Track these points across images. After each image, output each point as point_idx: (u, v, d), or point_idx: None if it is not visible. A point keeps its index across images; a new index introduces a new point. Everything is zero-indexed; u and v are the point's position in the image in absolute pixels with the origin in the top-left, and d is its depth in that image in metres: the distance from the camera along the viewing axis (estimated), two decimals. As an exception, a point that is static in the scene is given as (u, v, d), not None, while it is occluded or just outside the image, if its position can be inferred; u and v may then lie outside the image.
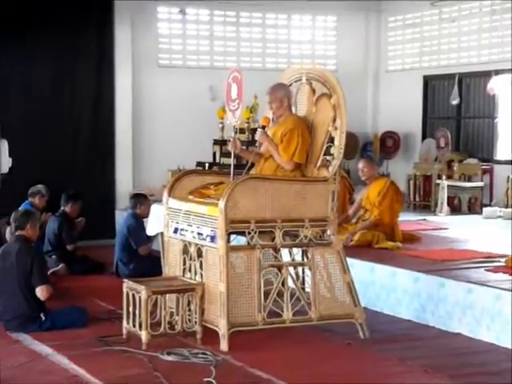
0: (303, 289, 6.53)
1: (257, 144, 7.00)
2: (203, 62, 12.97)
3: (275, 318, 6.16)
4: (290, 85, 6.81)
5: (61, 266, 9.10)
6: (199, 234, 6.23)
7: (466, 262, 7.48)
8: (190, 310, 6.11)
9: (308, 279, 6.50)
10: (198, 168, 10.72)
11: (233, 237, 6.36)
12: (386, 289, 7.30)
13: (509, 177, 11.58)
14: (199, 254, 6.29)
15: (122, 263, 8.96)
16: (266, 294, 6.11)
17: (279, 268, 6.35)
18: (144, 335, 5.92)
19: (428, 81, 13.60)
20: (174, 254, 6.63)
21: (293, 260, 6.54)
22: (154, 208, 9.11)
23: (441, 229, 10.15)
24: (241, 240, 6.49)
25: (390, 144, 13.78)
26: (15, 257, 6.54)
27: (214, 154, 11.43)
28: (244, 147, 7.26)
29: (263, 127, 6.65)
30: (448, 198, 11.78)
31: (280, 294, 6.19)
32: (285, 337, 6.23)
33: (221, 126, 11.20)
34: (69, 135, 11.71)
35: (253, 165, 6.84)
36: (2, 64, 10.68)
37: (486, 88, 12.22)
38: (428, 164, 12.72)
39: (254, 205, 6.07)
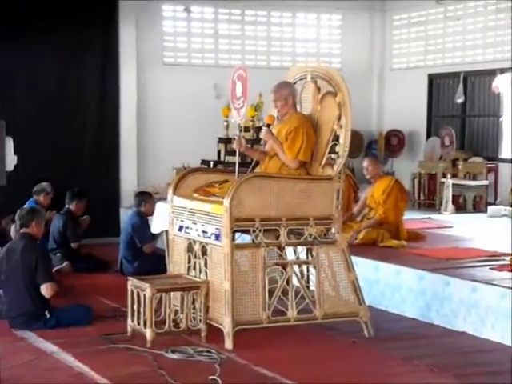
0: (308, 287, 6.52)
1: (262, 142, 6.99)
2: (208, 60, 12.97)
3: (280, 316, 6.16)
4: (295, 83, 6.80)
5: (65, 263, 9.11)
6: (204, 232, 6.23)
7: (471, 261, 7.47)
8: (194, 308, 6.12)
9: (313, 277, 6.49)
10: (203, 166, 10.72)
11: (237, 235, 6.37)
12: (391, 287, 7.30)
13: (514, 175, 11.58)
14: (204, 252, 6.29)
15: (127, 261, 8.96)
16: (271, 292, 6.11)
17: (284, 266, 6.35)
18: (149, 333, 5.92)
19: (433, 79, 13.58)
20: (179, 252, 6.63)
21: (297, 258, 6.54)
22: (159, 206, 9.13)
23: (445, 227, 10.14)
24: (245, 238, 6.50)
25: (394, 142, 13.76)
26: (20, 254, 6.54)
27: (219, 152, 11.42)
28: (249, 145, 7.25)
29: (268, 125, 6.65)
30: (453, 196, 11.76)
31: (285, 293, 6.19)
32: (289, 335, 6.23)
33: (225, 124, 11.19)
34: (74, 133, 11.72)
35: (257, 163, 6.84)
36: (7, 62, 10.69)
37: (490, 86, 12.19)
38: (433, 162, 12.70)
39: (259, 203, 6.07)
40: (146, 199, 9.28)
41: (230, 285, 5.92)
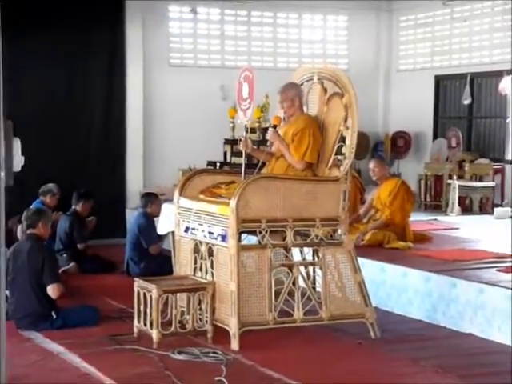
0: (314, 288, 6.52)
1: (268, 143, 6.99)
2: (214, 61, 12.98)
3: (286, 317, 6.16)
4: (302, 84, 6.80)
5: (71, 264, 9.12)
6: (210, 233, 6.23)
7: (478, 262, 7.46)
8: (200, 309, 6.12)
9: (319, 279, 6.49)
10: (209, 167, 10.73)
11: (244, 236, 6.36)
12: (397, 289, 7.29)
13: (521, 177, 11.56)
14: (210, 253, 6.29)
15: (133, 262, 8.97)
16: (277, 294, 6.11)
17: (290, 267, 6.34)
18: (155, 334, 5.93)
19: (439, 80, 13.56)
20: (185, 253, 6.64)
21: (304, 259, 6.54)
22: (165, 207, 9.13)
23: (452, 229, 10.12)
24: (252, 239, 6.49)
25: (401, 144, 13.75)
26: (27, 255, 6.56)
27: (225, 154, 11.44)
28: (255, 146, 7.25)
29: (274, 126, 6.64)
30: (459, 198, 11.74)
31: (291, 294, 6.19)
32: (295, 336, 6.23)
33: (232, 125, 11.20)
34: (80, 134, 11.74)
35: (264, 164, 6.84)
36: (14, 63, 10.69)
37: (497, 88, 12.17)
38: (439, 164, 12.69)
39: (266, 204, 6.07)
40: (152, 200, 9.29)
41: (236, 286, 5.92)
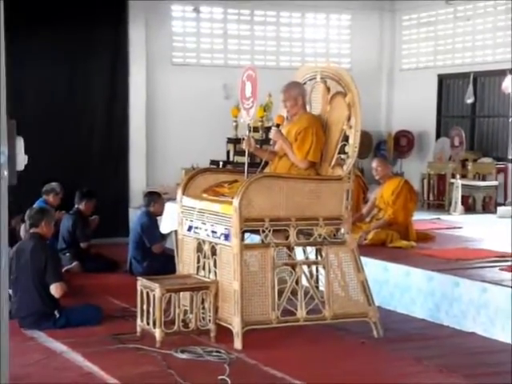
0: (317, 287, 6.52)
1: (271, 142, 6.99)
2: (217, 60, 12.98)
3: (289, 316, 6.16)
4: (305, 83, 6.80)
5: (74, 263, 9.13)
6: (213, 232, 6.23)
7: (481, 261, 7.46)
8: (203, 308, 6.12)
9: (322, 278, 6.49)
10: (212, 166, 10.73)
11: (247, 235, 6.36)
12: (400, 288, 7.28)
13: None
14: (213, 252, 6.29)
15: (136, 261, 8.97)
16: (280, 293, 6.11)
17: (293, 266, 6.33)
18: (158, 333, 5.93)
19: (442, 79, 13.55)
20: (188, 252, 6.64)
21: (307, 258, 6.54)
22: (168, 206, 9.13)
23: (455, 228, 10.12)
24: (255, 238, 6.49)
25: (403, 143, 13.74)
26: (30, 254, 6.56)
27: (228, 153, 11.43)
28: (258, 146, 7.25)
29: (277, 125, 6.64)
30: (462, 197, 11.74)
31: (294, 293, 6.19)
32: (298, 335, 6.23)
33: (235, 124, 11.20)
34: (83, 133, 11.75)
35: (267, 163, 6.84)
36: (17, 62, 10.70)
37: (500, 87, 12.16)
38: (442, 163, 12.68)
39: (269, 203, 6.07)
40: (155, 199, 9.29)
41: (239, 285, 5.92)
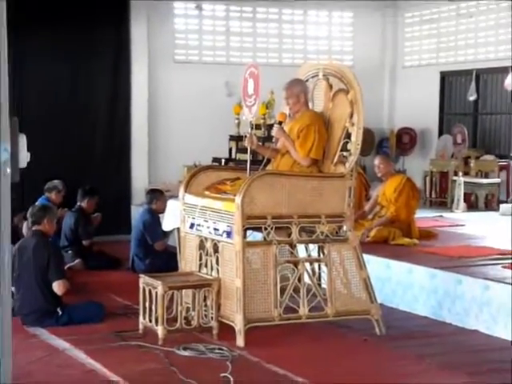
0: (319, 285, 6.51)
1: (273, 140, 6.99)
2: (219, 57, 12.97)
3: (291, 313, 6.16)
4: (307, 80, 6.79)
5: (77, 261, 9.14)
6: (215, 229, 6.23)
7: (483, 259, 7.45)
8: (206, 305, 6.12)
9: (324, 275, 6.48)
10: (214, 164, 10.73)
11: (249, 232, 6.36)
12: (403, 285, 7.28)
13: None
14: (215, 250, 6.29)
15: (138, 258, 8.98)
16: (283, 290, 6.11)
17: (295, 264, 6.34)
18: (160, 330, 5.93)
19: (445, 77, 13.54)
20: (191, 250, 6.64)
21: (309, 256, 6.53)
22: (170, 203, 9.13)
23: (457, 225, 10.11)
24: (257, 236, 6.49)
25: (406, 140, 13.73)
26: (32, 251, 6.56)
27: (230, 150, 11.43)
28: (260, 143, 7.25)
29: (280, 123, 6.64)
30: (465, 194, 11.73)
31: (296, 290, 6.19)
32: (301, 333, 6.22)
33: (237, 121, 11.20)
34: (85, 131, 11.74)
35: (269, 161, 6.84)
36: (20, 60, 10.71)
37: (503, 84, 12.14)
38: (444, 160, 12.67)
39: (271, 200, 6.06)
40: (158, 197, 9.29)
41: (241, 282, 5.92)
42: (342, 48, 13.94)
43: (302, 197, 6.17)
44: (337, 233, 6.43)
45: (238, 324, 5.94)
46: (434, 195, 12.67)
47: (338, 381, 5.16)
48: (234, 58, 13.00)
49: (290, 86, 6.61)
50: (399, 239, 8.32)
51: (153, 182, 11.86)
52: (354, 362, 5.61)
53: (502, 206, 11.41)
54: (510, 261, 7.24)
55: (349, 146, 6.35)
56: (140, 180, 12.11)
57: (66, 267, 8.00)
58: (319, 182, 6.28)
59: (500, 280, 6.49)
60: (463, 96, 13.13)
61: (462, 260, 7.43)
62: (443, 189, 12.54)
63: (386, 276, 7.41)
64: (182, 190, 6.74)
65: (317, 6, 13.50)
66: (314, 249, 6.53)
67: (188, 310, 6.16)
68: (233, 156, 11.30)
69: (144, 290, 6.16)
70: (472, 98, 12.78)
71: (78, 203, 9.61)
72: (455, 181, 11.87)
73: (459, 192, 11.67)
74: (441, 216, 11.05)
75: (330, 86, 6.58)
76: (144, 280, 6.21)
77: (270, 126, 9.16)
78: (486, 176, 12.37)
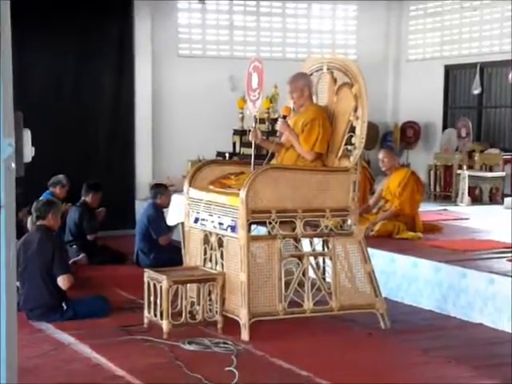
0: (324, 279, 6.52)
1: (277, 134, 6.98)
2: (223, 51, 12.95)
3: (296, 307, 6.16)
4: (311, 74, 6.78)
5: (81, 255, 9.14)
6: (220, 223, 6.23)
7: (488, 253, 7.44)
8: (210, 299, 6.12)
9: (329, 269, 6.48)
10: (219, 158, 10.73)
11: (253, 227, 6.36)
12: (407, 279, 7.28)
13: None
14: (220, 244, 6.29)
15: (143, 253, 8.99)
16: (287, 284, 6.11)
17: (300, 258, 6.34)
18: (165, 325, 5.94)
19: (449, 70, 13.50)
20: (195, 244, 6.64)
21: (313, 250, 6.53)
22: (174, 198, 9.13)
23: (462, 219, 10.10)
24: (261, 230, 6.49)
25: (410, 134, 13.71)
26: (37, 246, 6.57)
27: (234, 144, 11.43)
28: (264, 137, 7.24)
29: (284, 117, 6.63)
30: (469, 188, 11.72)
31: (301, 284, 6.18)
32: (305, 327, 6.23)
33: (241, 115, 11.20)
34: (89, 126, 11.75)
35: (273, 155, 6.83)
36: (24, 55, 10.71)
37: (507, 77, 12.11)
38: (449, 154, 12.65)
39: (275, 195, 6.06)
40: (162, 191, 9.29)
41: (246, 276, 5.92)
42: (346, 42, 13.92)
43: (307, 191, 6.16)
44: (341, 227, 6.43)
45: (243, 318, 5.94)
46: (438, 189, 12.66)
47: (343, 375, 5.17)
48: (238, 52, 12.98)
49: (294, 80, 6.61)
50: (404, 233, 8.31)
51: (157, 177, 11.86)
52: (359, 356, 5.61)
53: (507, 200, 11.39)
54: (514, 254, 7.24)
55: (353, 140, 6.34)
56: (144, 175, 12.12)
57: (70, 262, 8.01)
58: (324, 176, 6.27)
59: (505, 273, 6.48)
60: (467, 89, 13.10)
61: (467, 253, 7.42)
62: (447, 182, 12.53)
63: (391, 270, 7.41)
64: (186, 184, 6.74)
65: (320, -1, 13.48)
66: (318, 243, 6.52)
67: (193, 304, 6.17)
68: (237, 150, 11.30)
69: (149, 285, 6.17)
70: (476, 91, 12.75)
71: (83, 198, 9.61)
72: (459, 174, 11.85)
73: (463, 186, 11.65)
74: (445, 210, 11.04)
75: (335, 80, 6.57)
76: (149, 274, 6.22)
77: (274, 120, 9.17)
78: (491, 169, 12.35)
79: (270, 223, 6.08)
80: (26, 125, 2.85)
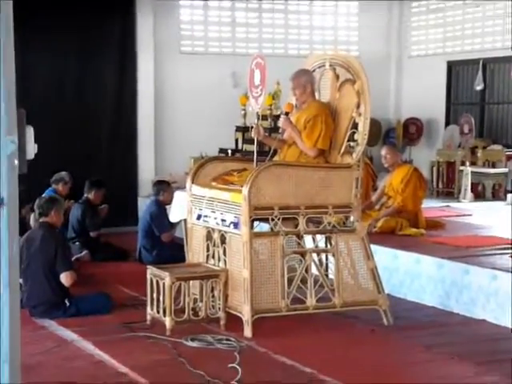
0: (327, 275, 6.52)
1: (280, 130, 6.98)
2: (225, 48, 12.94)
3: (299, 304, 6.16)
4: (314, 71, 6.77)
5: (84, 252, 9.15)
6: (223, 220, 6.24)
7: (491, 249, 7.44)
8: (213, 296, 6.13)
9: (331, 266, 6.49)
10: (221, 155, 10.73)
11: (256, 224, 6.36)
12: (410, 275, 7.28)
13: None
14: (223, 241, 6.29)
15: (145, 250, 8.99)
16: (290, 281, 6.11)
17: (303, 254, 6.34)
18: (168, 321, 5.94)
19: (452, 66, 13.49)
20: (198, 241, 6.64)
21: (316, 247, 6.53)
22: (177, 195, 9.13)
23: (464, 215, 10.10)
24: (264, 227, 6.49)
25: (413, 130, 13.69)
26: (39, 243, 6.57)
27: (237, 141, 11.42)
28: (267, 134, 7.24)
29: (287, 113, 6.63)
30: (472, 184, 11.71)
31: (303, 281, 6.19)
32: (308, 323, 6.23)
33: (243, 112, 11.19)
34: (92, 123, 11.74)
35: (276, 151, 6.83)
36: (27, 53, 10.70)
37: (510, 73, 12.10)
38: (451, 150, 12.64)
39: (278, 191, 6.06)
40: (165, 188, 9.29)
41: (248, 273, 5.92)
42: (348, 38, 13.90)
43: (309, 187, 6.16)
44: (344, 223, 6.43)
45: (246, 315, 5.94)
46: (440, 185, 12.65)
47: (346, 371, 5.16)
48: (240, 48, 12.97)
49: (296, 77, 6.60)
50: (406, 229, 8.31)
51: (159, 174, 11.87)
52: (362, 353, 5.61)
53: (510, 196, 11.39)
54: (517, 250, 7.24)
55: (356, 137, 6.33)
56: (147, 171, 12.12)
57: (73, 259, 8.02)
58: (326, 173, 6.27)
59: (508, 270, 6.48)
60: (470, 85, 13.08)
61: (470, 250, 7.42)
62: (450, 179, 12.53)
63: (394, 266, 7.41)
64: (189, 181, 6.74)
65: (323, -5, 13.45)
66: (321, 239, 6.52)
67: (195, 301, 6.17)
68: (239, 147, 11.29)
69: (151, 282, 6.17)
70: (479, 87, 12.73)
71: (85, 195, 9.62)
72: (462, 171, 11.85)
73: (466, 182, 11.65)
74: (448, 206, 11.04)
75: (337, 76, 6.57)
76: (151, 271, 6.22)
77: (277, 117, 9.17)
78: (493, 166, 12.34)
79: (273, 220, 6.08)
80: (28, 122, 2.85)
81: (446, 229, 8.82)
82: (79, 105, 11.59)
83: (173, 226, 9.11)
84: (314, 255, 6.42)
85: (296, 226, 6.23)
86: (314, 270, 6.30)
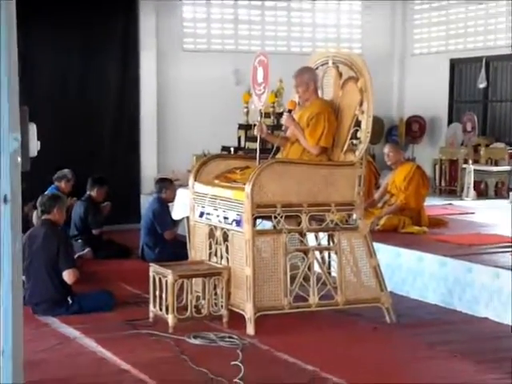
0: (329, 273, 6.52)
1: (283, 128, 6.97)
2: (228, 45, 12.94)
3: (301, 302, 6.16)
4: (317, 68, 6.77)
5: (87, 250, 9.15)
6: (225, 218, 6.23)
7: (493, 247, 7.43)
8: (216, 293, 6.13)
9: (334, 263, 6.48)
10: (224, 152, 10.72)
11: (258, 221, 6.36)
12: (413, 273, 7.27)
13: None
14: (225, 238, 6.29)
15: (148, 247, 8.99)
16: (292, 279, 6.11)
17: (305, 252, 6.33)
18: (170, 319, 5.94)
19: (454, 64, 13.47)
20: (200, 238, 6.64)
21: (319, 244, 6.53)
22: (180, 192, 9.13)
23: (467, 213, 10.09)
24: (266, 225, 6.49)
25: (415, 128, 13.68)
26: (42, 240, 6.58)
27: (239, 139, 11.42)
28: (269, 131, 7.24)
29: (289, 111, 6.62)
30: (474, 182, 11.70)
31: (306, 279, 6.19)
32: (311, 321, 6.23)
33: (246, 110, 11.18)
34: (95, 120, 11.74)
35: (278, 149, 6.82)
36: (30, 50, 10.71)
37: (513, 71, 12.10)
38: (454, 148, 12.63)
39: (280, 189, 6.06)
40: (167, 186, 9.30)
41: (251, 271, 5.92)
42: (351, 36, 13.89)
43: (312, 185, 6.16)
44: (347, 221, 6.43)
45: (248, 312, 5.94)
46: (443, 183, 12.65)
47: (348, 369, 5.16)
48: (243, 46, 12.96)
49: (299, 74, 6.60)
50: (409, 227, 8.30)
51: (162, 171, 11.87)
52: (364, 351, 5.61)
53: (512, 194, 11.39)
54: (520, 248, 7.23)
55: (358, 134, 6.33)
56: (149, 169, 12.12)
57: (75, 256, 8.02)
58: (329, 171, 6.26)
59: (510, 268, 6.47)
60: (473, 83, 13.07)
61: (472, 248, 7.41)
62: (453, 177, 12.52)
63: (396, 264, 7.40)
64: (191, 178, 6.74)
65: (325, -7, 13.44)
66: (323, 237, 6.52)
67: (198, 298, 6.18)
68: (242, 145, 11.29)
69: (154, 279, 6.18)
70: (482, 85, 12.72)
71: (88, 192, 9.62)
72: (465, 169, 11.84)
73: (469, 180, 11.64)
74: (450, 204, 11.03)
75: (340, 74, 6.56)
76: (154, 269, 6.22)
77: (279, 115, 9.17)
78: (496, 164, 12.32)
79: (276, 217, 6.08)
80: (31, 119, 2.85)
81: (448, 227, 8.82)
82: (82, 102, 11.59)
83: (175, 223, 9.11)
84: (317, 253, 6.42)
85: (299, 223, 6.23)
86: (316, 267, 6.30)
